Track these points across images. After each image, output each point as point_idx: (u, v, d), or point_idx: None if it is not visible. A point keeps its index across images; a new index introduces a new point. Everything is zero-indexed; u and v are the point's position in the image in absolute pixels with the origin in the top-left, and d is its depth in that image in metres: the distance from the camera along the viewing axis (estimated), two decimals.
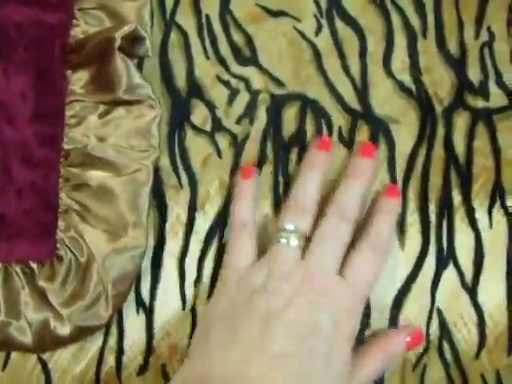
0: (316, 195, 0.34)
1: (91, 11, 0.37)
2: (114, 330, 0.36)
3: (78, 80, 0.37)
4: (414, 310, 0.36)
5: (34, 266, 0.35)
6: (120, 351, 0.36)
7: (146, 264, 0.36)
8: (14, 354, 0.36)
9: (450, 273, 0.36)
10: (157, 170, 0.36)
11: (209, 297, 0.36)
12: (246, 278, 0.33)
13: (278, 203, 0.36)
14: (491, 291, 0.36)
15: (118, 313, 0.36)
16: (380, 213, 0.34)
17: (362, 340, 0.35)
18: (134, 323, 0.36)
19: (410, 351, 0.35)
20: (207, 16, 0.38)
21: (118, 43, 0.35)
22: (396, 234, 0.36)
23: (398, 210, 0.35)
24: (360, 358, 0.33)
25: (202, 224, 0.36)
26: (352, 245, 0.34)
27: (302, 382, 0.30)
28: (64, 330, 0.35)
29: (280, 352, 0.30)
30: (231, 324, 0.31)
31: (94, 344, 0.36)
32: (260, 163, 0.37)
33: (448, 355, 0.36)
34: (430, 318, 0.36)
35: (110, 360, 0.36)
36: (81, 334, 0.35)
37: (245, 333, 0.31)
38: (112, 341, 0.36)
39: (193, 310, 0.36)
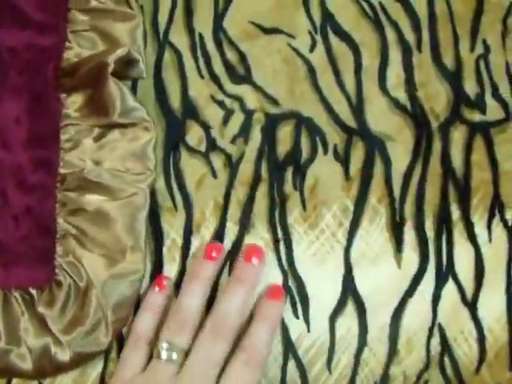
0: (198, 306, 0.34)
1: (84, 33, 0.37)
2: (114, 355, 0.36)
3: (73, 103, 0.37)
4: (414, 325, 0.36)
5: (33, 292, 0.35)
6: None
7: (145, 288, 0.36)
8: (14, 381, 0.36)
9: (449, 288, 0.36)
10: (152, 193, 0.36)
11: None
12: None
13: (274, 223, 0.36)
14: (491, 306, 0.36)
15: (119, 338, 0.36)
16: (259, 319, 0.34)
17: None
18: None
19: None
20: (200, 34, 0.38)
21: (111, 68, 0.35)
22: (392, 251, 0.36)
23: (280, 314, 0.35)
24: None
25: (199, 247, 0.36)
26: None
27: None
28: (64, 356, 0.35)
29: None
30: None
31: (95, 370, 0.36)
32: (255, 183, 0.37)
33: (449, 370, 0.36)
34: (430, 333, 0.36)
35: None
36: (81, 360, 0.35)
37: None
38: (112, 366, 0.36)
39: None
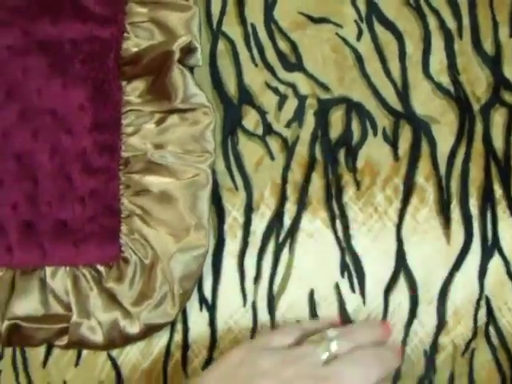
0: None
1: (142, 24, 0.39)
2: (179, 326, 0.38)
3: (134, 90, 0.38)
4: (461, 298, 0.38)
5: (101, 268, 0.37)
6: (185, 346, 0.38)
7: (207, 263, 0.38)
8: (85, 352, 0.38)
9: (495, 262, 0.38)
10: (213, 174, 0.38)
11: (269, 293, 0.38)
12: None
13: (330, 202, 0.38)
14: None
15: (183, 310, 0.38)
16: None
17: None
18: (197, 320, 0.38)
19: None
20: (253, 25, 0.40)
21: (176, 55, 0.37)
22: (440, 227, 0.38)
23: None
24: None
25: (259, 224, 0.38)
26: None
27: None
28: (133, 328, 0.36)
29: None
30: None
31: (161, 340, 0.38)
32: (310, 164, 0.39)
33: (494, 339, 0.38)
34: (478, 305, 0.38)
35: (176, 355, 0.38)
36: (149, 331, 0.37)
37: None
38: (178, 337, 0.38)
39: (253, 306, 0.38)
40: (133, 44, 0.39)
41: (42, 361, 0.39)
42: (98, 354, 0.38)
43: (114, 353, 0.38)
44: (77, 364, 0.39)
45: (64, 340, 0.37)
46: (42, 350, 0.39)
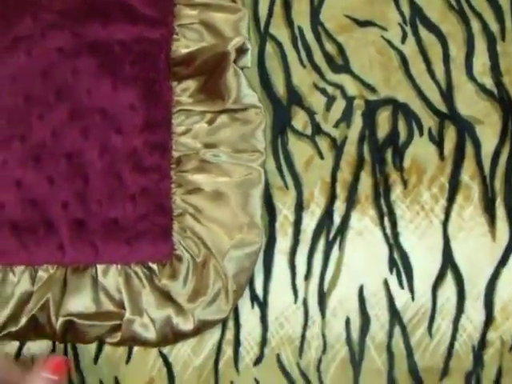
0: None
1: (191, 26, 0.40)
2: (230, 323, 0.39)
3: (185, 90, 0.39)
4: (508, 294, 0.39)
5: (153, 266, 0.38)
6: (237, 343, 0.39)
7: (259, 261, 0.39)
8: (136, 349, 0.39)
9: None
10: (264, 173, 0.39)
11: (320, 290, 0.38)
12: None
13: (378, 201, 0.39)
14: None
15: (235, 308, 0.38)
16: None
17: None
18: (249, 316, 0.39)
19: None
20: (299, 27, 0.41)
21: (232, 56, 0.37)
22: (486, 224, 0.39)
23: None
24: None
25: (309, 223, 0.39)
26: None
27: None
28: (187, 325, 0.37)
29: None
30: None
31: (213, 337, 0.38)
32: (359, 164, 0.40)
33: None
34: None
35: (227, 352, 0.39)
36: (202, 328, 0.37)
37: None
38: (229, 334, 0.39)
39: (304, 303, 0.39)
40: (182, 45, 0.39)
41: (93, 357, 0.39)
42: (149, 350, 0.39)
43: (166, 350, 0.39)
44: (128, 361, 0.39)
45: (116, 337, 0.37)
46: (93, 346, 0.39)
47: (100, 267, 0.38)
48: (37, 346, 0.39)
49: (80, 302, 0.37)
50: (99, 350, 0.39)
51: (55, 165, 0.39)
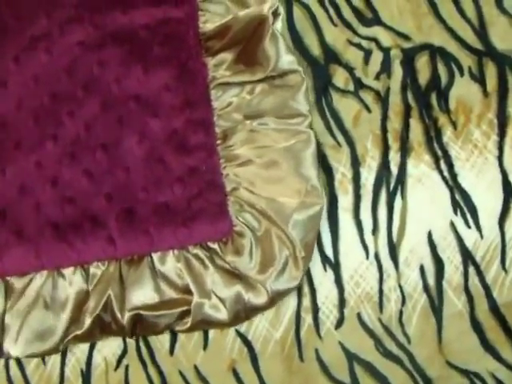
0: None
1: (214, 0, 0.39)
2: (305, 290, 0.38)
3: (220, 64, 0.38)
4: None
5: (214, 245, 0.37)
6: (315, 309, 0.38)
7: (324, 223, 0.38)
8: (211, 333, 0.38)
9: None
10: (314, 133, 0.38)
11: (389, 242, 0.38)
12: None
13: (431, 144, 0.39)
14: None
15: (307, 273, 0.38)
16: None
17: None
18: (323, 280, 0.38)
19: None
20: None
21: (270, 20, 0.37)
22: None
23: None
24: None
25: (368, 177, 0.39)
26: None
27: None
28: (259, 298, 0.36)
29: None
30: None
31: (289, 308, 0.38)
32: (406, 111, 0.39)
33: None
34: None
35: (307, 319, 0.38)
36: (276, 298, 0.36)
37: None
38: (306, 301, 0.38)
39: (376, 257, 0.38)
40: (209, 20, 0.39)
41: (168, 349, 0.38)
42: (226, 333, 0.38)
43: (243, 328, 0.38)
44: (205, 347, 0.38)
45: (187, 323, 0.36)
46: (166, 338, 0.38)
47: (156, 255, 0.36)
48: (107, 347, 0.38)
49: (142, 294, 0.36)
50: (173, 340, 0.38)
51: (92, 159, 0.37)
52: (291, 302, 0.38)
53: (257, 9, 0.38)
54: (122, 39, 0.39)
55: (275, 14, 0.38)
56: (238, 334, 0.38)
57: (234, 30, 0.38)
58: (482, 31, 0.40)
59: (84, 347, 0.39)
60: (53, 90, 0.38)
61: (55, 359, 0.38)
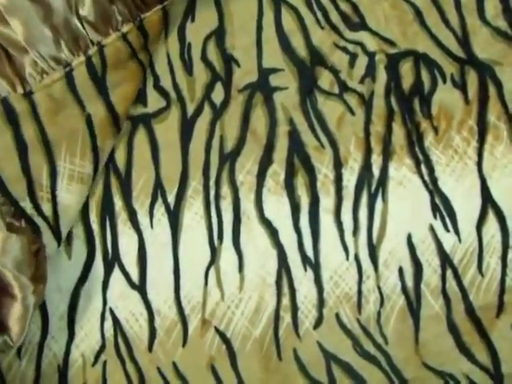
0: None
1: None
2: (285, 290, 0.38)
3: None
4: None
5: None
6: (295, 308, 0.38)
7: (305, 222, 0.38)
8: (191, 330, 0.38)
9: None
10: (298, 134, 0.39)
11: (369, 243, 0.38)
12: None
13: (413, 149, 0.40)
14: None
15: (287, 272, 0.38)
16: None
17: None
18: (303, 280, 0.38)
19: None
20: None
21: None
22: None
23: None
24: None
25: (350, 178, 0.39)
26: None
27: None
28: None
29: None
30: None
31: (269, 306, 0.38)
32: (389, 115, 0.40)
33: None
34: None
35: (286, 318, 0.38)
36: None
37: None
38: (285, 300, 0.38)
39: (356, 258, 0.39)
40: None
41: (146, 345, 0.38)
42: (205, 330, 0.38)
43: (222, 326, 0.38)
44: (184, 344, 0.38)
45: None
46: (145, 334, 0.38)
47: None
48: (85, 343, 0.38)
49: None
50: (152, 337, 0.38)
51: None
52: (271, 300, 0.38)
53: None
54: None
55: None
56: (217, 331, 0.38)
57: None
58: (464, 40, 0.41)
59: (62, 343, 0.38)
60: None
61: (31, 355, 0.38)
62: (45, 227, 0.36)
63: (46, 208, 0.36)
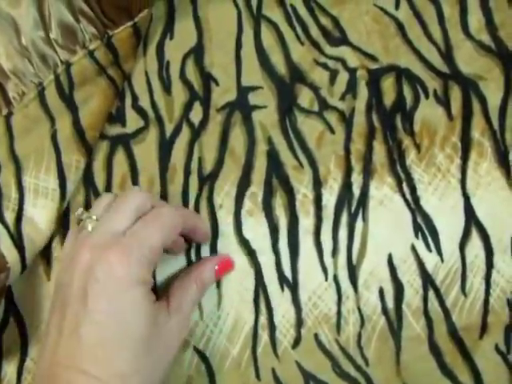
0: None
1: None
2: (263, 308, 0.38)
3: None
4: None
5: None
6: (272, 327, 0.38)
7: (284, 243, 0.38)
8: None
9: None
10: (276, 153, 0.38)
11: (349, 264, 0.38)
12: None
13: (394, 167, 0.39)
14: None
15: (264, 291, 0.38)
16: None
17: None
18: (281, 299, 0.38)
19: (219, 277, 0.38)
20: (292, 6, 0.40)
21: None
22: (503, 177, 0.39)
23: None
24: (177, 289, 0.35)
25: (329, 198, 0.39)
26: None
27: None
28: None
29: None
30: None
31: (247, 323, 0.38)
32: (370, 133, 0.39)
33: None
34: None
35: (264, 337, 0.38)
36: None
37: None
38: (263, 318, 0.38)
39: (335, 279, 0.38)
40: None
41: None
42: (185, 348, 0.38)
43: (201, 345, 0.38)
44: None
45: None
46: None
47: None
48: None
49: None
50: None
51: None
52: (249, 318, 0.38)
53: None
54: None
55: None
56: (196, 350, 0.38)
57: None
58: (447, 55, 0.40)
59: None
60: None
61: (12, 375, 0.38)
62: (4, 234, 0.36)
63: (9, 216, 0.36)
